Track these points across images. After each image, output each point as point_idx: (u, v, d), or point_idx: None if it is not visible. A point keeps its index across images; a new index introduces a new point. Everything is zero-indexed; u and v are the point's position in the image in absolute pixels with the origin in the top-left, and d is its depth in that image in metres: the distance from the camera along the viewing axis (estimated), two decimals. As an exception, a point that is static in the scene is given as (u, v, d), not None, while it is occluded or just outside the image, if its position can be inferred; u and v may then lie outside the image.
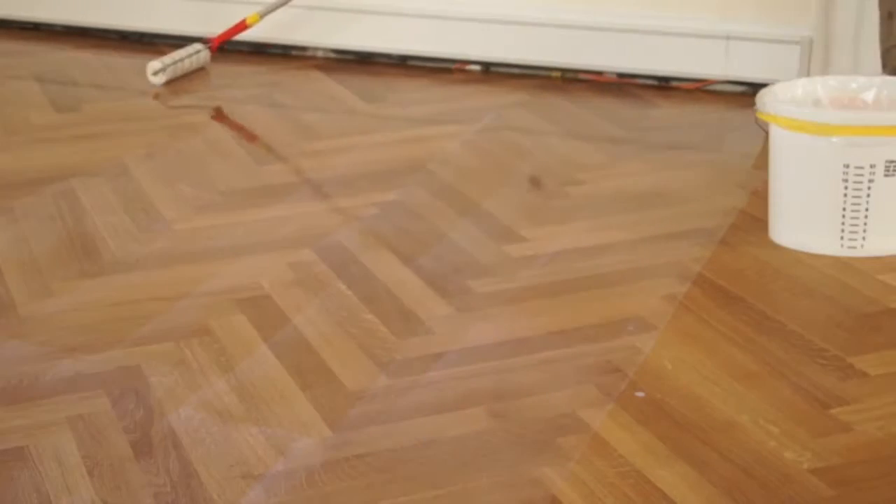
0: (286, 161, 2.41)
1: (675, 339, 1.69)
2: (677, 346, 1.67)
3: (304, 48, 3.06)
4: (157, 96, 2.80)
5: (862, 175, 1.89)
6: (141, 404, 1.55)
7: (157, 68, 2.84)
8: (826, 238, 1.93)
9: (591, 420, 1.49)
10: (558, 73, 2.88)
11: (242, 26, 2.91)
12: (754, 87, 2.50)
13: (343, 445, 1.45)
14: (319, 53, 3.06)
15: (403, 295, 1.83)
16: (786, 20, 2.69)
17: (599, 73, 2.85)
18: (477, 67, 2.95)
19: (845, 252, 1.93)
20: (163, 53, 3.07)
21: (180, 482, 1.39)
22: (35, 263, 1.95)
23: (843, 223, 1.92)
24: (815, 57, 2.63)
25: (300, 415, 1.52)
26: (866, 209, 1.91)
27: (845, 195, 1.91)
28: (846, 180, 1.90)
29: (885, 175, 1.89)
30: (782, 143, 1.95)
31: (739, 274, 1.88)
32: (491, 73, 2.93)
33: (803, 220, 1.96)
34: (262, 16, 2.89)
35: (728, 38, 2.72)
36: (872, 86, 2.04)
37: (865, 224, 1.91)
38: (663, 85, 2.80)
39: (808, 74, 2.60)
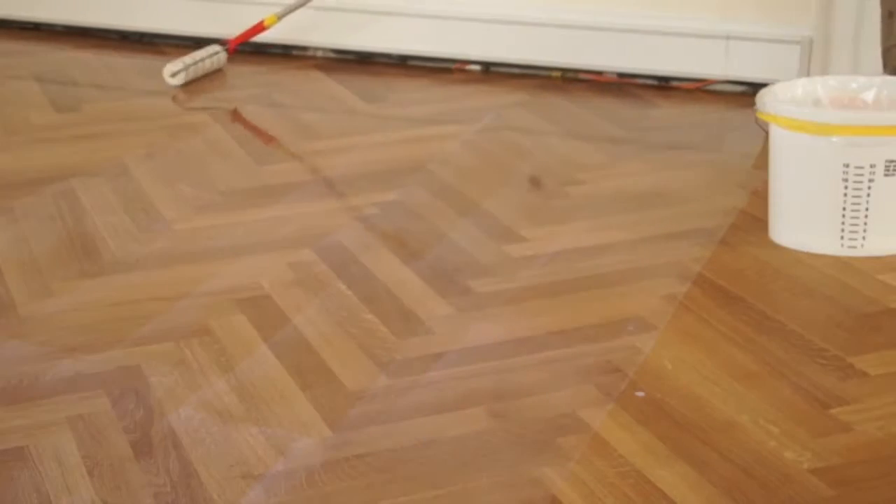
0: (286, 161, 2.41)
1: (675, 339, 1.69)
2: (677, 346, 1.67)
3: (304, 48, 3.06)
4: (157, 95, 2.80)
5: (862, 175, 1.89)
6: (141, 404, 1.55)
7: (174, 70, 2.82)
8: (826, 238, 1.93)
9: (591, 420, 1.49)
10: (558, 73, 2.88)
11: (260, 28, 2.90)
12: (754, 87, 2.50)
13: (343, 445, 1.45)
14: (319, 53, 3.06)
15: (403, 295, 1.83)
16: (786, 20, 2.69)
17: (599, 73, 2.85)
18: (477, 67, 2.95)
19: (845, 252, 1.93)
20: (163, 53, 3.08)
21: (180, 482, 1.39)
22: (35, 263, 1.95)
23: (843, 223, 1.92)
24: (815, 57, 2.63)
25: (300, 415, 1.52)
26: (866, 209, 1.91)
27: (845, 195, 1.91)
28: (846, 180, 1.90)
29: (885, 175, 1.89)
30: (782, 143, 1.95)
31: (739, 274, 1.88)
32: (491, 73, 2.93)
33: (803, 220, 1.96)
34: (280, 17, 2.88)
35: (728, 38, 2.72)
36: (872, 86, 2.04)
37: (865, 224, 1.91)
38: (663, 85, 2.80)
39: (808, 74, 2.60)
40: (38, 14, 3.29)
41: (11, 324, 1.77)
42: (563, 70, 2.87)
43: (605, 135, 2.52)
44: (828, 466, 1.40)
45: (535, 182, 2.29)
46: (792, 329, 1.71)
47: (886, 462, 1.41)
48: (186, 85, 2.84)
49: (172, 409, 1.53)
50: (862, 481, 1.38)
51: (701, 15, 2.76)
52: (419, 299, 1.81)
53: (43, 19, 3.30)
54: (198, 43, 3.12)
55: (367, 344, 1.69)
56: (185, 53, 2.99)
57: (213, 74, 2.94)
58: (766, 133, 1.99)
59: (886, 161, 1.88)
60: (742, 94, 2.71)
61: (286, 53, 3.07)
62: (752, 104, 2.00)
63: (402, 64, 3.00)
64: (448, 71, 2.95)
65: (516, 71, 2.91)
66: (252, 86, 2.86)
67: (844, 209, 1.91)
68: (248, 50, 3.09)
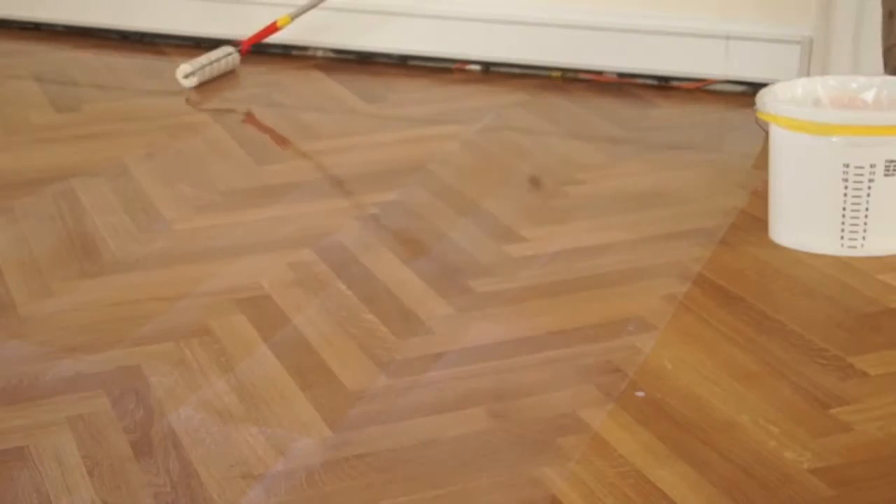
0: (286, 161, 2.41)
1: (675, 339, 1.69)
2: (677, 346, 1.67)
3: (304, 48, 3.06)
4: (157, 95, 2.80)
5: (862, 175, 1.89)
6: (141, 404, 1.55)
7: (187, 71, 2.81)
8: (826, 238, 1.93)
9: (591, 420, 1.49)
10: (558, 73, 2.88)
11: (273, 28, 2.89)
12: (754, 87, 2.50)
13: (343, 445, 1.45)
14: (319, 53, 3.06)
15: (403, 295, 1.83)
16: (786, 20, 2.69)
17: (599, 73, 2.85)
18: (477, 67, 2.95)
19: (845, 252, 1.93)
20: (163, 53, 3.08)
21: (180, 482, 1.39)
22: (35, 263, 1.95)
23: (843, 223, 1.92)
24: (815, 57, 2.63)
25: (300, 415, 1.52)
26: (866, 209, 1.91)
27: (845, 195, 1.91)
28: (846, 180, 1.90)
29: (885, 175, 1.89)
30: (782, 143, 1.95)
31: (739, 274, 1.88)
32: (491, 73, 2.93)
33: (803, 220, 1.96)
34: (294, 18, 2.87)
35: (728, 37, 2.72)
36: (872, 86, 2.04)
37: (865, 224, 1.91)
38: (663, 85, 2.80)
39: (808, 74, 2.60)
40: (38, 14, 3.29)
41: (11, 324, 1.77)
42: (563, 70, 2.87)
43: (605, 135, 2.52)
44: (828, 466, 1.40)
45: (535, 182, 2.29)
46: (792, 329, 1.71)
47: (886, 462, 1.41)
48: (200, 87, 2.83)
49: (172, 409, 1.53)
50: (862, 481, 1.38)
51: (701, 15, 2.76)
52: (419, 299, 1.81)
53: (43, 19, 3.30)
54: (198, 43, 3.12)
55: (367, 344, 1.69)
56: (185, 53, 2.99)
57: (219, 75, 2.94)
58: (766, 133, 1.99)
59: (886, 161, 1.88)
60: (742, 94, 2.71)
61: (286, 53, 3.07)
62: (752, 104, 2.00)
63: (402, 64, 3.00)
64: (448, 71, 2.95)
65: (516, 71, 2.91)
66: (252, 86, 2.86)
67: (844, 209, 1.91)
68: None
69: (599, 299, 1.81)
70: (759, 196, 2.12)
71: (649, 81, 2.81)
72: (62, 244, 2.02)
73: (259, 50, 3.07)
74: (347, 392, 1.57)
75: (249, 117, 2.67)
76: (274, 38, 3.03)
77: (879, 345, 1.67)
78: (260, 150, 2.46)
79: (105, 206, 2.17)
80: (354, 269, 1.92)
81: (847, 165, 1.89)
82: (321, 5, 2.86)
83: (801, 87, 2.05)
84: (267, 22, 2.96)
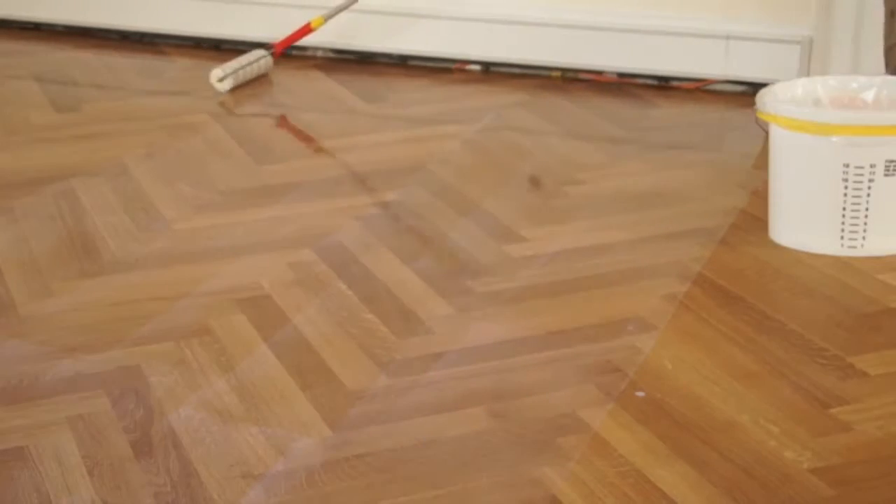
0: (286, 161, 2.41)
1: (675, 339, 1.69)
2: (677, 346, 1.67)
3: (304, 48, 3.06)
4: (158, 95, 2.80)
5: (862, 175, 1.89)
6: (141, 404, 1.55)
7: (220, 75, 2.78)
8: (826, 238, 1.93)
9: (591, 420, 1.49)
10: (558, 73, 2.88)
11: (307, 30, 2.88)
12: (754, 87, 2.50)
13: (343, 445, 1.45)
14: (319, 53, 3.06)
15: (403, 295, 1.83)
16: (786, 20, 2.69)
17: (599, 72, 2.85)
18: (477, 67, 2.95)
19: (845, 252, 1.93)
20: (163, 53, 3.08)
21: (180, 482, 1.39)
22: (35, 263, 1.95)
23: (843, 223, 1.92)
24: (815, 57, 2.63)
25: (300, 415, 1.52)
26: (866, 209, 1.91)
27: (845, 195, 1.91)
28: (846, 180, 1.90)
29: (885, 175, 1.89)
30: (782, 143, 1.95)
31: (739, 274, 1.88)
32: (491, 73, 2.93)
33: (803, 220, 1.96)
34: (327, 18, 2.86)
35: (728, 37, 2.72)
36: (872, 86, 2.04)
37: (865, 224, 1.91)
38: (663, 85, 2.80)
39: (808, 74, 2.60)
40: (38, 14, 3.29)
41: (11, 324, 1.77)
42: (563, 70, 2.87)
43: (605, 135, 2.52)
44: (828, 466, 1.40)
45: (535, 182, 2.29)
46: (792, 329, 1.71)
47: (886, 462, 1.41)
48: (234, 90, 2.82)
49: (172, 409, 1.53)
50: (862, 481, 1.38)
51: (701, 15, 2.76)
52: (419, 299, 1.81)
53: (43, 19, 3.30)
54: (198, 43, 3.12)
55: (367, 344, 1.69)
56: (185, 53, 3.00)
57: (212, 73, 2.94)
58: (766, 133, 1.99)
59: (886, 161, 1.88)
60: (742, 94, 2.71)
61: (286, 53, 3.06)
62: (752, 104, 2.00)
63: (402, 64, 3.00)
64: (448, 71, 2.95)
65: (516, 71, 2.91)
66: (252, 85, 2.86)
67: (844, 209, 1.91)
68: (247, 50, 3.09)
69: (599, 299, 1.81)
70: (759, 196, 2.12)
71: (649, 81, 2.81)
72: (62, 244, 2.02)
73: (259, 50, 3.08)
74: (347, 392, 1.57)
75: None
76: (274, 39, 3.03)
77: (879, 345, 1.67)
78: (260, 149, 2.46)
79: (105, 206, 2.17)
80: (354, 269, 1.92)
81: (847, 165, 1.89)
82: (353, 7, 2.85)
83: (801, 87, 2.05)
84: (267, 21, 2.96)
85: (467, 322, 1.75)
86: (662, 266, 1.91)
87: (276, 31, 3.00)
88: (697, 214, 2.09)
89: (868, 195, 1.90)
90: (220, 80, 2.78)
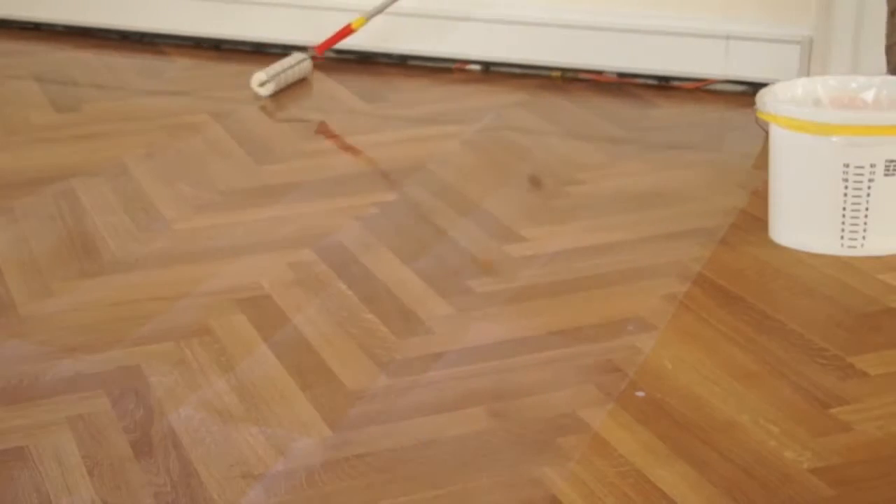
0: (286, 161, 2.41)
1: (675, 339, 1.69)
2: (677, 346, 1.67)
3: (304, 48, 3.05)
4: (157, 95, 2.80)
5: (862, 175, 1.89)
6: (141, 404, 1.55)
7: (262, 79, 2.76)
8: (826, 238, 1.93)
9: (591, 420, 1.49)
10: (558, 73, 2.88)
11: (347, 31, 2.86)
12: (754, 87, 2.50)
13: (343, 445, 1.45)
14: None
15: (403, 295, 1.83)
16: (786, 20, 2.69)
17: (599, 72, 2.85)
18: (477, 67, 2.95)
19: (845, 252, 1.93)
20: (163, 53, 3.08)
21: (180, 482, 1.39)
22: (35, 263, 1.95)
23: (843, 223, 1.92)
24: (815, 57, 2.63)
25: (300, 415, 1.52)
26: (866, 209, 1.91)
27: (845, 195, 1.91)
28: (846, 180, 1.90)
29: (885, 175, 1.89)
30: (782, 143, 1.95)
31: (739, 274, 1.88)
32: (491, 72, 2.93)
33: (803, 220, 1.96)
34: (368, 18, 2.85)
35: (728, 37, 2.72)
36: (872, 86, 2.04)
37: (865, 224, 1.91)
38: (663, 85, 2.80)
39: (808, 74, 2.60)
40: (38, 14, 3.29)
41: (11, 324, 1.77)
42: (563, 70, 2.87)
43: (605, 135, 2.52)
44: (828, 466, 1.40)
45: (535, 182, 2.29)
46: (792, 329, 1.71)
47: (886, 462, 1.41)
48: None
49: (172, 409, 1.53)
50: (862, 481, 1.38)
51: (701, 15, 2.76)
52: (419, 299, 1.81)
53: (43, 19, 3.30)
54: (198, 43, 3.12)
55: (367, 344, 1.69)
56: (185, 53, 3.00)
57: (212, 73, 2.94)
58: (766, 133, 1.99)
59: (886, 161, 1.88)
60: (742, 93, 2.71)
61: (286, 54, 3.06)
62: (752, 104, 2.00)
63: (402, 64, 3.00)
64: (448, 71, 2.95)
65: (516, 71, 2.91)
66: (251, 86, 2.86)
67: (844, 209, 1.91)
68: (247, 50, 3.09)
69: (599, 299, 1.81)
70: (759, 196, 2.12)
71: (649, 81, 2.81)
72: (62, 244, 2.02)
73: (259, 50, 3.08)
74: (347, 392, 1.57)
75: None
76: (274, 39, 3.03)
77: (879, 345, 1.67)
78: (260, 149, 2.46)
79: (105, 206, 2.17)
80: (354, 269, 1.92)
81: (847, 165, 1.89)
82: (393, 6, 2.84)
83: (801, 87, 2.05)
84: (267, 22, 2.96)
85: (467, 322, 1.75)
86: (662, 266, 1.91)
87: (276, 31, 3.00)
88: (697, 214, 2.09)
89: (868, 195, 1.90)
90: (262, 84, 2.77)
